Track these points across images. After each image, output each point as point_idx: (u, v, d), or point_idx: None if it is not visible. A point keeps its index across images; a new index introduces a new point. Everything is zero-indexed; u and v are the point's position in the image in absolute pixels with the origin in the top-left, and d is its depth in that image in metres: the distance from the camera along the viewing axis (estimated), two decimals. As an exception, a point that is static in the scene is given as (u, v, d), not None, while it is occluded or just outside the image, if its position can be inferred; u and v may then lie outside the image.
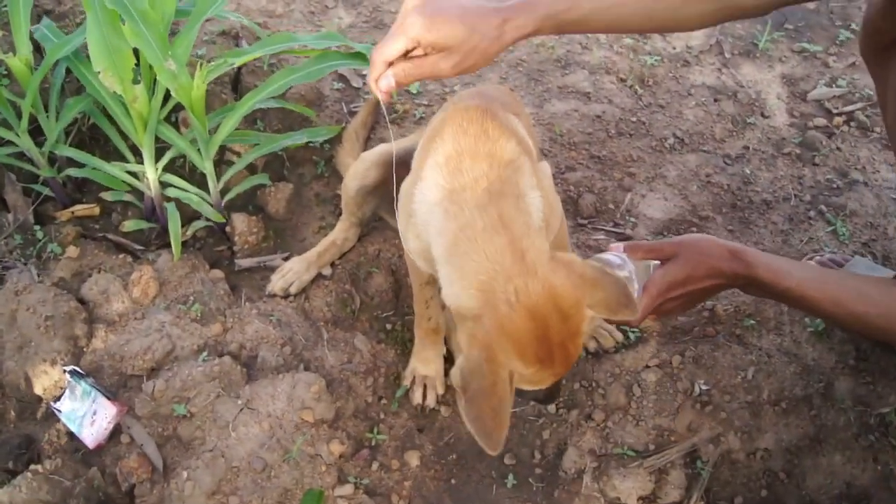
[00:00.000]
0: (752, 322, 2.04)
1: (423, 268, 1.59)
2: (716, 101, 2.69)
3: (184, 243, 2.13)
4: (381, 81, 1.34)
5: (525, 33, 1.40)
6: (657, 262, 1.55)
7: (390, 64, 1.34)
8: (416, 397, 1.94)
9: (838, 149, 2.56)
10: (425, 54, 1.35)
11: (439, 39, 1.31)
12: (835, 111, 2.72)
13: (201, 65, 1.91)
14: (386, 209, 2.09)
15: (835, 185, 2.45)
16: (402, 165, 1.92)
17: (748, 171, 2.47)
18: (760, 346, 2.01)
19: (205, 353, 1.85)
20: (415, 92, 2.51)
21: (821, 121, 2.68)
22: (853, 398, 1.97)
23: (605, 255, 1.50)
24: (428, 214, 1.40)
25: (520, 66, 2.71)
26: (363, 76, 2.53)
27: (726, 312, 2.06)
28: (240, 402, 1.78)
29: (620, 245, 1.52)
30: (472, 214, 1.32)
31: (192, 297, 2.00)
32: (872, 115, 2.72)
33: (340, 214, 2.20)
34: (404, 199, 1.54)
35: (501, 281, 1.27)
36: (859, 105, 2.74)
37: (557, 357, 1.30)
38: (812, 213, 2.36)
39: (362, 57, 2.18)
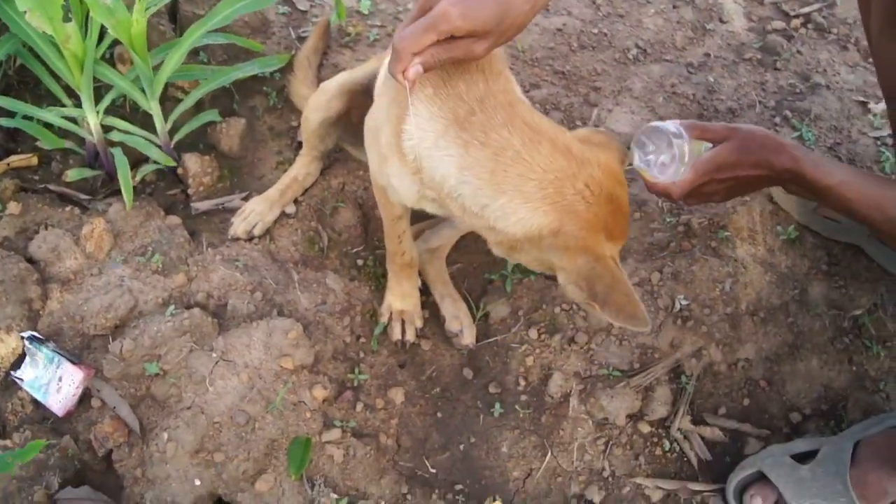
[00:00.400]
0: (727, 233, 2.02)
1: (429, 209, 1.52)
2: (674, 7, 2.62)
3: (134, 189, 2.00)
4: (409, 70, 1.22)
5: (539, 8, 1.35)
6: (710, 144, 1.50)
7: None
8: (395, 333, 1.89)
9: (799, 52, 2.53)
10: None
11: (477, 27, 1.23)
12: (792, 13, 2.68)
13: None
14: (349, 140, 1.99)
15: (798, 90, 2.43)
16: (365, 94, 1.83)
17: (711, 80, 2.42)
18: (736, 257, 2.00)
19: (171, 307, 1.76)
20: (366, 13, 2.38)
21: (779, 24, 2.64)
22: (827, 303, 1.99)
23: (665, 124, 1.45)
24: (435, 150, 1.31)
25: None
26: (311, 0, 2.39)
27: (700, 226, 2.03)
28: (214, 354, 1.70)
29: (678, 120, 1.47)
30: (502, 134, 1.26)
31: (150, 248, 1.90)
32: (829, 16, 2.69)
33: (298, 147, 2.10)
34: (377, 134, 1.45)
35: (569, 184, 1.25)
36: (816, 6, 2.70)
37: (625, 224, 1.36)
38: (777, 119, 2.33)
39: (310, -22, 2.04)
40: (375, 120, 1.50)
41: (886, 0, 1.57)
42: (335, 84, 1.87)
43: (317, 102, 1.89)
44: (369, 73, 1.82)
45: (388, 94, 1.43)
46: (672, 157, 1.41)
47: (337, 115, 1.87)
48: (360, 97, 1.84)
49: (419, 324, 1.89)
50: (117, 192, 1.97)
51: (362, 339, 1.88)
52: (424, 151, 1.32)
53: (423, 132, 1.31)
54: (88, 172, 2.06)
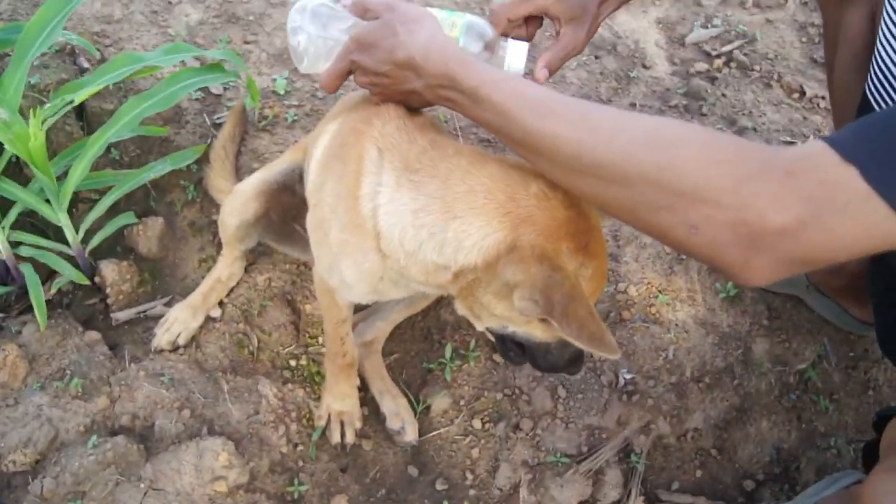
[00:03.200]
0: (666, 298, 1.99)
1: (387, 295, 1.46)
2: (596, 58, 2.59)
3: (50, 302, 1.91)
4: (538, 73, 1.44)
5: (610, 10, 1.51)
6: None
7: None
8: (335, 436, 1.81)
9: (723, 95, 2.52)
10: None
11: (567, 9, 1.43)
12: (713, 53, 2.68)
13: (34, 111, 1.67)
14: (271, 237, 1.92)
15: (725, 136, 2.41)
16: (283, 191, 1.76)
17: (639, 133, 2.39)
18: (677, 321, 1.97)
19: (94, 437, 1.66)
20: (282, 93, 2.30)
21: (702, 65, 2.63)
22: (771, 359, 1.97)
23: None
24: (391, 206, 1.24)
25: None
26: (224, 84, 2.31)
27: (639, 292, 2.00)
28: (142, 485, 1.61)
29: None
30: (451, 161, 1.21)
31: (68, 370, 1.80)
32: (750, 53, 2.70)
33: (221, 243, 2.01)
34: (326, 229, 1.37)
35: (521, 190, 1.16)
36: (736, 44, 2.70)
37: (600, 242, 1.21)
38: (707, 169, 2.31)
39: (220, 69, 1.97)
40: (321, 214, 1.40)
41: (853, 40, 1.56)
42: (249, 186, 1.79)
43: (232, 206, 1.81)
44: (285, 170, 1.76)
45: (332, 179, 1.36)
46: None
47: (255, 217, 1.80)
48: (278, 195, 1.77)
49: (359, 424, 1.82)
50: (32, 308, 1.87)
51: (300, 447, 1.81)
52: (381, 211, 1.25)
53: (378, 189, 1.25)
54: (0, 289, 1.96)
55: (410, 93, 1.28)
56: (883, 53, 1.34)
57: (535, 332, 1.27)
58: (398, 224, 1.23)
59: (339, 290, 1.51)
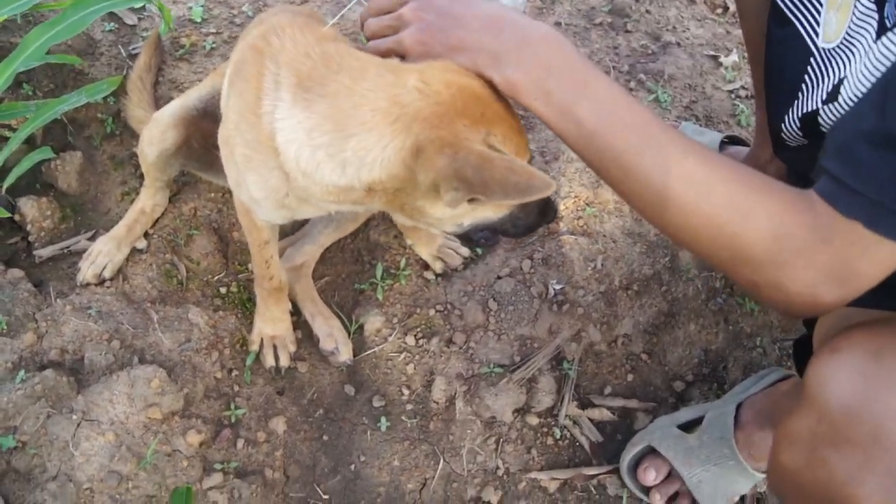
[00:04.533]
0: (593, 210, 2.02)
1: (301, 213, 1.43)
2: (520, -22, 2.57)
3: (-31, 243, 1.87)
4: None
5: None
6: None
7: None
8: (269, 360, 1.81)
9: (647, 11, 2.53)
10: None
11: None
12: (637, -30, 2.67)
13: (-68, 41, 1.61)
14: (193, 165, 1.88)
15: (650, 51, 2.43)
16: (203, 117, 1.73)
17: (564, 50, 2.39)
18: (604, 233, 2.00)
19: (22, 372, 1.64)
20: (199, 20, 2.24)
21: (626, -18, 2.63)
22: (697, 265, 2.01)
23: None
24: (287, 122, 1.19)
25: None
26: (137, 11, 2.24)
27: (566, 206, 2.02)
28: (75, 416, 1.59)
29: None
30: (335, 79, 1.16)
31: (-9, 308, 1.76)
32: (674, -31, 2.69)
33: (143, 176, 1.97)
34: (232, 146, 1.33)
35: (402, 92, 1.12)
36: (660, -40, 2.70)
37: (496, 105, 1.16)
38: (632, 84, 2.32)
39: (129, -7, 1.91)
40: (227, 130, 1.36)
41: None
42: (168, 114, 1.75)
43: (150, 135, 1.77)
44: (204, 96, 1.72)
45: (234, 95, 1.32)
46: None
47: (175, 146, 1.76)
48: (198, 122, 1.73)
49: (293, 348, 1.82)
50: (-49, 248, 1.82)
51: (235, 372, 1.80)
52: (278, 127, 1.20)
53: (276, 105, 1.20)
54: (-84, 230, 1.90)
55: (481, 52, 1.14)
56: None
57: (487, 213, 1.25)
58: (294, 143, 1.19)
59: (250, 207, 1.49)
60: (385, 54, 1.20)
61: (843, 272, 1.01)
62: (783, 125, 1.43)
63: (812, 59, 1.34)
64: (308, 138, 1.17)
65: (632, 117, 1.09)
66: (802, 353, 1.50)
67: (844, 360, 1.07)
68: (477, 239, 1.36)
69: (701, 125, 2.26)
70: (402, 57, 1.22)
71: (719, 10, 2.64)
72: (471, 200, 1.12)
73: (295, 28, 1.25)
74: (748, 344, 1.98)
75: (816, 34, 1.34)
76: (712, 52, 2.46)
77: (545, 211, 1.34)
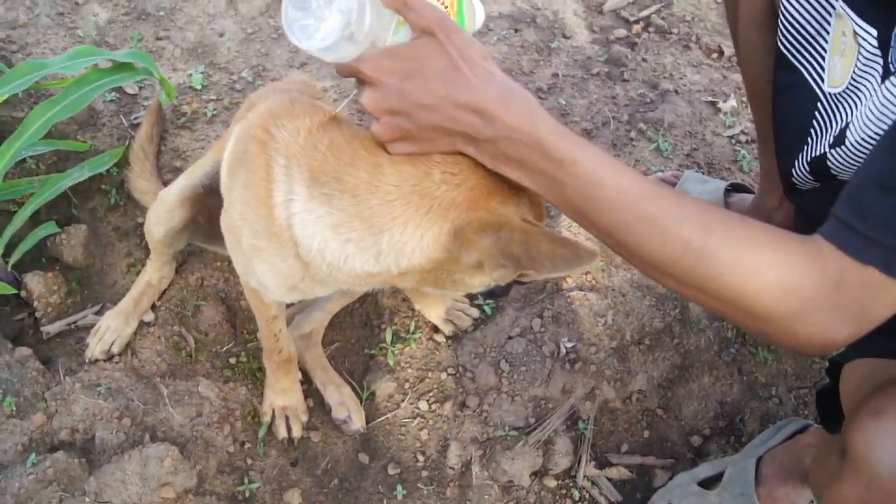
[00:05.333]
0: (601, 264, 2.01)
1: (313, 293, 1.40)
2: (516, 31, 2.59)
3: (-25, 320, 1.86)
4: None
5: None
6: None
7: None
8: (281, 431, 1.79)
9: (644, 60, 2.54)
10: None
11: None
12: (632, 19, 2.70)
13: (-64, 125, 1.61)
14: (200, 238, 1.88)
15: (648, 100, 2.44)
16: (209, 194, 1.72)
17: (563, 102, 2.40)
18: (613, 287, 1.99)
19: (33, 454, 1.62)
20: (199, 87, 2.25)
21: (621, 32, 2.65)
22: (708, 316, 2.00)
23: None
24: (306, 216, 1.18)
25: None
26: (139, 83, 2.25)
27: (574, 261, 2.01)
28: (87, 499, 1.57)
29: None
30: (352, 173, 1.14)
31: (0, 390, 1.74)
32: (668, 16, 2.73)
33: (148, 246, 1.97)
34: (238, 234, 1.33)
35: (429, 184, 1.11)
36: (654, 8, 2.73)
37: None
38: (633, 134, 2.33)
39: (129, 68, 1.92)
40: (231, 219, 1.35)
41: (756, 1, 1.58)
42: (174, 193, 1.74)
43: (157, 215, 1.76)
44: (209, 172, 1.71)
45: (238, 185, 1.31)
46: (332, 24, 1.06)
47: (182, 224, 1.75)
48: (204, 199, 1.73)
49: (304, 417, 1.81)
50: (-43, 328, 1.81)
51: (247, 445, 1.78)
52: (297, 220, 1.19)
53: (291, 198, 1.19)
54: (-79, 311, 1.89)
55: (457, 136, 1.09)
56: (790, 6, 1.36)
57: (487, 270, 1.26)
58: (317, 236, 1.18)
59: (259, 289, 1.48)
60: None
61: (856, 313, 1.00)
62: (793, 170, 1.43)
63: (819, 105, 1.35)
64: (335, 233, 1.16)
65: (616, 193, 1.04)
66: (826, 404, 1.48)
67: (891, 425, 1.06)
68: (490, 294, 1.36)
69: (703, 172, 2.27)
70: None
71: (714, 55, 2.65)
72: (521, 276, 1.12)
73: (295, 118, 1.23)
74: (764, 394, 1.97)
75: (822, 79, 1.35)
76: (710, 98, 2.47)
77: None
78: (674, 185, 2.14)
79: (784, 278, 1.00)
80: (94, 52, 1.89)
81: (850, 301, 0.99)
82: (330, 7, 1.05)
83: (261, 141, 1.23)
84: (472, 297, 1.98)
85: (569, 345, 1.90)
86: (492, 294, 1.38)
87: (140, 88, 2.27)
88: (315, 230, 1.17)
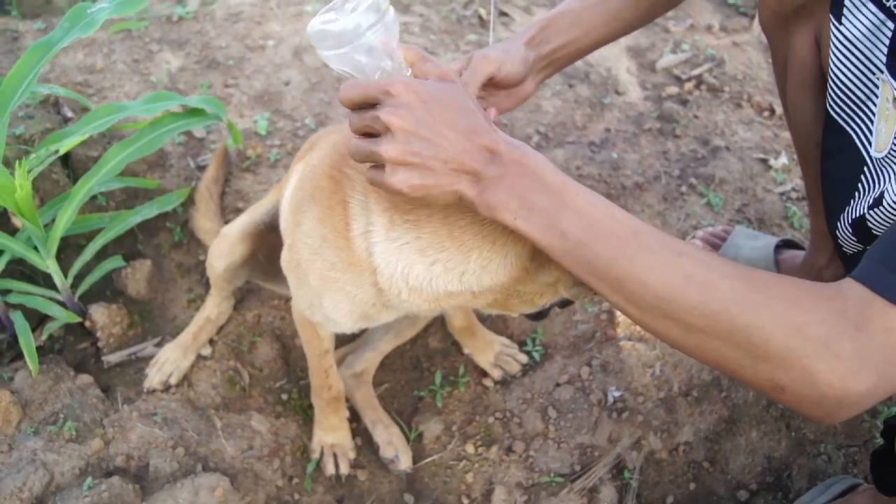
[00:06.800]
0: (650, 315, 2.02)
1: (379, 319, 1.45)
2: (570, 86, 2.65)
3: (41, 348, 1.93)
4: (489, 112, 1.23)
5: (541, 79, 1.55)
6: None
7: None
8: (329, 468, 1.82)
9: (695, 116, 2.58)
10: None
11: (509, 76, 1.40)
12: (684, 77, 2.74)
13: (20, 162, 1.70)
14: (259, 276, 1.94)
15: (699, 155, 2.47)
16: (269, 231, 1.79)
17: (615, 156, 2.44)
18: (662, 338, 1.99)
19: (89, 479, 1.67)
20: (264, 133, 2.35)
21: (673, 89, 2.70)
22: (757, 370, 1.98)
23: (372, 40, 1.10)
24: (389, 245, 1.23)
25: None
26: (206, 126, 2.35)
27: (618, 319, 2.03)
28: (139, 524, 1.62)
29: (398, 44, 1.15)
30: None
31: (62, 414, 1.80)
32: (719, 75, 2.76)
33: (209, 283, 2.04)
34: (305, 268, 1.39)
35: None
36: (706, 67, 2.77)
37: None
38: (684, 188, 2.36)
39: (200, 113, 2.01)
40: (298, 254, 1.41)
41: (802, 64, 1.61)
42: (236, 229, 1.82)
43: (219, 250, 1.84)
44: (270, 210, 1.79)
45: (310, 221, 1.36)
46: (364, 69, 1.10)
47: (242, 259, 1.82)
48: (264, 236, 1.80)
49: (352, 455, 1.84)
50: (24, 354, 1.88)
51: (295, 480, 1.81)
52: (378, 249, 1.24)
53: (370, 229, 1.25)
54: (-9, 337, 1.98)
55: (464, 174, 1.08)
56: (838, 72, 1.39)
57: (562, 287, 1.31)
58: (402, 262, 1.23)
59: (322, 324, 1.54)
60: (365, 159, 1.12)
61: (880, 360, 0.93)
62: (837, 231, 1.45)
63: (865, 168, 1.37)
64: (422, 256, 1.21)
65: (617, 225, 1.06)
66: (881, 466, 1.47)
67: None
68: (539, 315, 1.42)
69: (754, 228, 2.28)
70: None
71: (766, 113, 2.68)
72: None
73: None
74: (812, 451, 1.94)
75: (870, 143, 1.36)
76: (762, 155, 2.50)
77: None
78: (724, 239, 2.16)
79: (796, 314, 0.96)
80: (170, 96, 1.98)
81: (873, 346, 0.93)
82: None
83: (334, 179, 1.30)
84: (520, 344, 2.01)
85: (616, 394, 1.91)
86: (538, 315, 1.42)
87: (207, 132, 2.37)
88: (399, 256, 1.23)
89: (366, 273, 1.28)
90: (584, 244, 1.05)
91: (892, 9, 1.25)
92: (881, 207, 1.25)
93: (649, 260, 1.02)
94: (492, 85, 1.43)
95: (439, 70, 1.13)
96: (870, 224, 1.30)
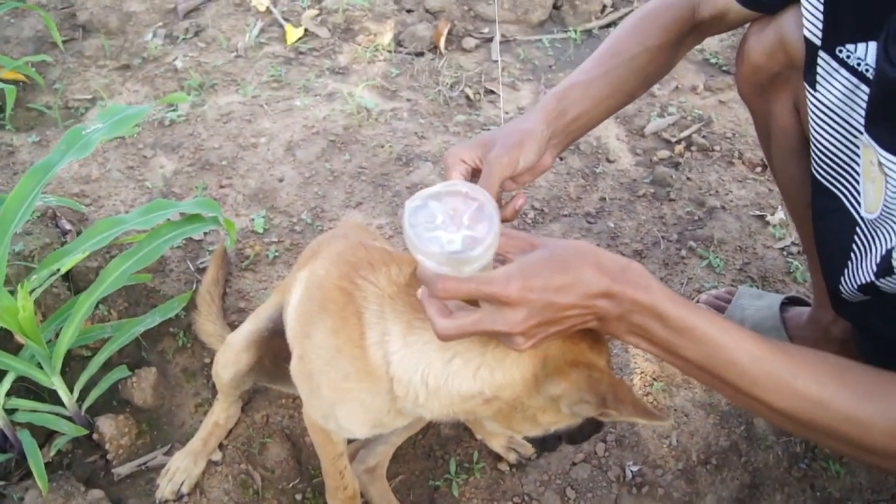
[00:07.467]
0: (660, 384, 2.00)
1: (391, 425, 1.43)
2: (561, 159, 2.68)
3: (49, 464, 1.91)
4: (518, 201, 1.38)
5: (557, 152, 1.55)
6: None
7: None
8: (349, 568, 1.78)
9: (688, 178, 2.60)
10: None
11: (527, 164, 1.40)
12: (673, 140, 2.77)
13: (22, 283, 1.71)
14: (266, 379, 1.93)
15: (696, 217, 2.48)
16: (273, 336, 1.79)
17: (612, 225, 2.45)
18: (675, 406, 1.98)
19: None
20: (261, 231, 2.36)
21: (664, 153, 2.72)
22: (775, 431, 1.96)
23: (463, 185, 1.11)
24: (405, 349, 1.24)
25: (362, 175, 2.62)
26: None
27: (633, 383, 2.01)
28: None
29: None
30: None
31: (74, 534, 1.78)
32: (708, 135, 2.79)
33: (216, 387, 2.02)
34: (318, 379, 1.39)
35: None
36: (694, 128, 2.80)
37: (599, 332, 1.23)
38: (683, 252, 2.36)
39: (198, 219, 2.02)
40: (311, 365, 1.41)
41: (784, 130, 1.64)
42: (241, 338, 1.82)
43: (224, 359, 1.83)
44: (272, 315, 1.78)
45: (322, 332, 1.36)
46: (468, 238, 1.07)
47: (248, 367, 1.81)
48: (269, 342, 1.79)
49: (370, 553, 1.80)
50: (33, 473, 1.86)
51: (315, 584, 1.78)
52: (395, 358, 1.25)
53: (386, 338, 1.25)
54: (0, 457, 1.95)
55: (594, 323, 1.12)
56: (819, 137, 1.41)
57: (575, 421, 1.30)
58: (420, 364, 1.23)
59: (336, 432, 1.53)
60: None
61: None
62: (840, 287, 1.44)
63: (858, 229, 1.37)
64: (440, 354, 1.21)
65: (737, 354, 1.10)
66: None
67: None
68: (542, 445, 1.41)
69: (757, 286, 2.28)
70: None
71: (759, 169, 2.70)
72: (601, 414, 1.16)
73: (377, 265, 1.32)
74: (839, 511, 1.90)
75: (860, 203, 1.37)
76: (758, 212, 2.51)
77: (599, 424, 1.39)
78: (728, 301, 2.15)
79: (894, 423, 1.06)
80: (167, 205, 2.00)
81: None
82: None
83: (345, 291, 1.31)
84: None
85: (634, 468, 1.88)
86: (543, 444, 1.42)
87: (205, 234, 2.38)
88: (420, 359, 1.23)
89: (382, 381, 1.28)
90: (706, 370, 1.12)
91: (865, 73, 1.27)
92: (894, 275, 1.25)
93: (768, 385, 1.10)
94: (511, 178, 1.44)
95: (521, 242, 1.15)
96: (882, 289, 1.30)
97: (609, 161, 2.71)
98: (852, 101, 1.32)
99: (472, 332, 1.11)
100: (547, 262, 1.09)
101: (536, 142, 1.43)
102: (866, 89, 1.28)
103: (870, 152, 1.26)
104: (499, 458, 1.92)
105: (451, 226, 1.07)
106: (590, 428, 1.36)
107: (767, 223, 2.47)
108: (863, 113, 1.29)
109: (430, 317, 1.13)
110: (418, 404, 1.27)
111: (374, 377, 1.29)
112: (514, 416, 1.27)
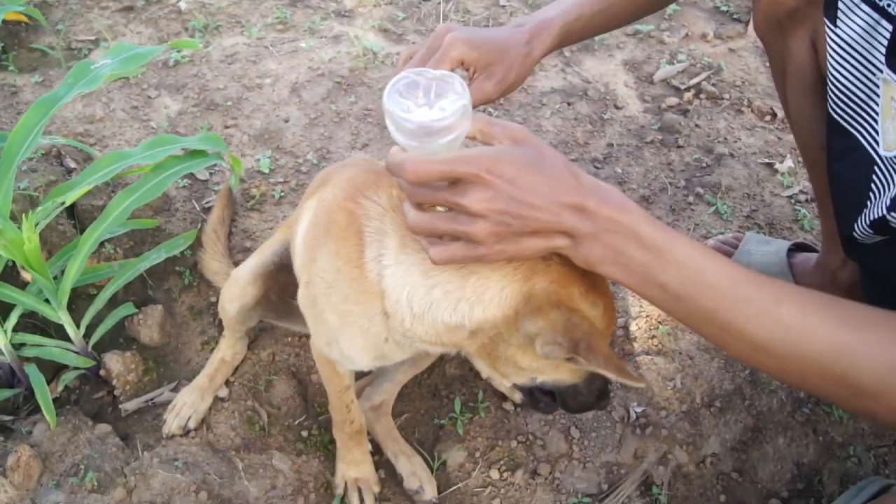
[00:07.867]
0: (666, 328, 2.01)
1: (392, 358, 1.43)
2: (569, 104, 2.66)
3: (57, 399, 1.92)
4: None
5: (548, 48, 1.52)
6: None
7: None
8: (354, 502, 1.80)
9: (697, 126, 2.58)
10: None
11: (482, 56, 1.39)
12: (682, 87, 2.75)
13: (27, 215, 1.70)
14: (272, 315, 1.93)
15: (704, 164, 2.46)
16: (279, 271, 1.79)
17: (620, 171, 2.44)
18: (680, 350, 1.98)
19: (113, 531, 1.66)
20: (267, 171, 2.35)
21: (672, 100, 2.70)
22: (779, 376, 1.97)
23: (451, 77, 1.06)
24: (396, 267, 1.23)
25: (368, 118, 2.60)
26: (209, 168, 2.35)
27: (639, 326, 2.01)
28: (166, 573, 1.60)
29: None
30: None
31: (82, 465, 1.79)
32: (718, 83, 2.76)
33: (221, 324, 2.03)
34: (321, 304, 1.38)
35: None
36: (703, 76, 2.77)
37: (605, 281, 1.22)
38: (691, 198, 2.35)
39: (202, 154, 2.01)
40: (315, 290, 1.40)
41: (800, 68, 1.61)
42: (246, 271, 1.81)
43: (230, 293, 1.83)
44: (278, 250, 1.78)
45: (325, 255, 1.35)
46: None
47: (254, 301, 1.82)
48: (275, 276, 1.79)
49: (377, 489, 1.81)
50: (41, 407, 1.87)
51: (321, 517, 1.80)
52: (387, 272, 1.24)
53: (382, 253, 1.25)
54: (9, 392, 1.96)
55: (563, 241, 1.08)
56: (837, 74, 1.39)
57: (564, 376, 1.29)
58: (406, 284, 1.22)
59: (340, 361, 1.53)
60: (437, 234, 1.10)
61: None
62: (854, 231, 1.43)
63: (876, 168, 1.35)
64: (424, 278, 1.20)
65: (717, 276, 1.06)
66: None
67: None
68: (535, 403, 1.41)
69: (764, 233, 2.27)
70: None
71: (768, 118, 2.68)
72: (569, 359, 1.14)
73: (382, 187, 1.30)
74: (841, 454, 1.92)
75: (878, 142, 1.35)
76: (766, 160, 2.49)
77: (604, 395, 1.39)
78: (736, 247, 2.14)
79: (889, 356, 1.01)
80: (171, 140, 1.98)
81: None
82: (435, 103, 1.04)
83: (349, 211, 1.30)
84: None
85: (638, 409, 1.89)
86: (536, 407, 1.42)
87: (210, 174, 2.37)
88: (406, 280, 1.22)
89: (377, 300, 1.27)
90: (684, 297, 1.06)
91: (887, 8, 1.25)
92: None
93: (748, 311, 1.04)
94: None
95: (509, 132, 1.09)
96: (893, 224, 1.29)
97: (617, 107, 2.69)
98: (873, 37, 1.30)
99: (439, 226, 1.07)
100: (526, 157, 1.04)
101: (526, 71, 1.48)
102: (887, 25, 1.25)
103: (890, 88, 1.24)
104: (504, 397, 1.93)
105: (425, 104, 1.03)
106: (587, 397, 1.35)
107: (776, 171, 2.45)
108: (883, 50, 1.27)
109: (406, 211, 1.11)
110: (405, 328, 1.26)
111: (369, 296, 1.28)
112: (497, 356, 1.26)
